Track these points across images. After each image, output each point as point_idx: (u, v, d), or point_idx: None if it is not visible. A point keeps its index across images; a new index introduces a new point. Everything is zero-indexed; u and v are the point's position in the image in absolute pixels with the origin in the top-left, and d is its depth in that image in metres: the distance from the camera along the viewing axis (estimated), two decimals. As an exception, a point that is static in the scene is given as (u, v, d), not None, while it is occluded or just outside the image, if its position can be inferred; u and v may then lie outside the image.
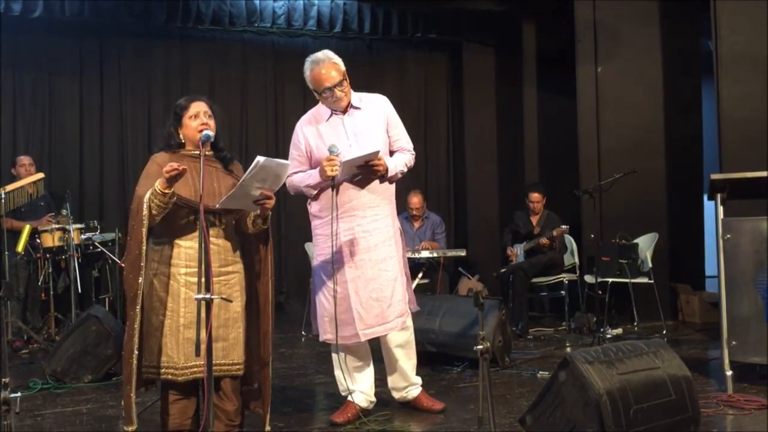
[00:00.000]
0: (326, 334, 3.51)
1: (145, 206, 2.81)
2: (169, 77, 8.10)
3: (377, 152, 3.41)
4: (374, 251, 3.46)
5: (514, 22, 8.13)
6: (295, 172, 3.55)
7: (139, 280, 2.85)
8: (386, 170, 3.47)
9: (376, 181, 3.51)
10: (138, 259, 2.86)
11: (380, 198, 3.53)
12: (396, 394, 3.74)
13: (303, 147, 3.57)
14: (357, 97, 3.57)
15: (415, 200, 7.03)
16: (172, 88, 8.02)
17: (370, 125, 3.53)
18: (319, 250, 3.57)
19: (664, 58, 6.86)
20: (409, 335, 3.65)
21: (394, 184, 3.64)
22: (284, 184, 3.24)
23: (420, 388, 3.74)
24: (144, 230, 2.84)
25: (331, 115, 3.54)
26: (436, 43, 8.82)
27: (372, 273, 3.44)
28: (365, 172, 3.43)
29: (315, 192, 3.54)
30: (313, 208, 3.60)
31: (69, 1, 6.99)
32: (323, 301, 3.53)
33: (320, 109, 3.60)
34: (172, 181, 2.76)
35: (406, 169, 3.63)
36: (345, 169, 3.38)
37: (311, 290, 3.70)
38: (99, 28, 7.67)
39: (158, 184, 2.79)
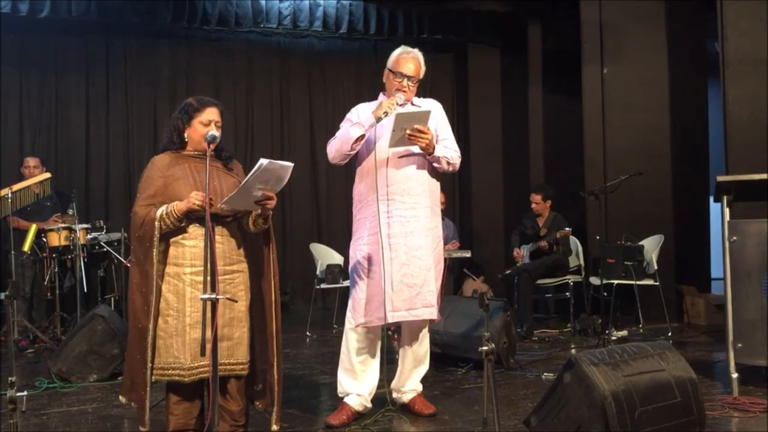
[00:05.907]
0: (361, 317, 3.51)
1: (156, 225, 2.85)
2: (175, 77, 8.12)
3: (429, 112, 3.46)
4: (410, 237, 3.50)
5: (519, 23, 8.13)
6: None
7: (152, 285, 2.87)
8: (432, 146, 3.48)
9: (419, 170, 3.55)
10: (147, 264, 2.89)
11: (421, 188, 3.57)
12: (395, 394, 3.80)
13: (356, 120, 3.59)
14: (417, 99, 3.70)
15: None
16: (178, 88, 8.04)
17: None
18: (357, 234, 3.61)
19: (669, 60, 6.85)
20: (426, 342, 3.73)
21: (437, 183, 3.69)
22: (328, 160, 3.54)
23: (417, 392, 3.77)
24: (155, 251, 2.86)
25: None
26: (441, 44, 8.81)
27: (406, 258, 3.48)
28: (412, 139, 3.42)
29: (357, 139, 3.48)
30: (358, 189, 3.63)
31: (75, 1, 7.01)
32: (358, 282, 3.55)
33: (381, 100, 3.68)
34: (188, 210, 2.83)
35: (447, 164, 3.62)
36: (395, 127, 3.38)
37: (350, 282, 3.69)
38: (105, 28, 7.70)
39: (175, 207, 2.84)
